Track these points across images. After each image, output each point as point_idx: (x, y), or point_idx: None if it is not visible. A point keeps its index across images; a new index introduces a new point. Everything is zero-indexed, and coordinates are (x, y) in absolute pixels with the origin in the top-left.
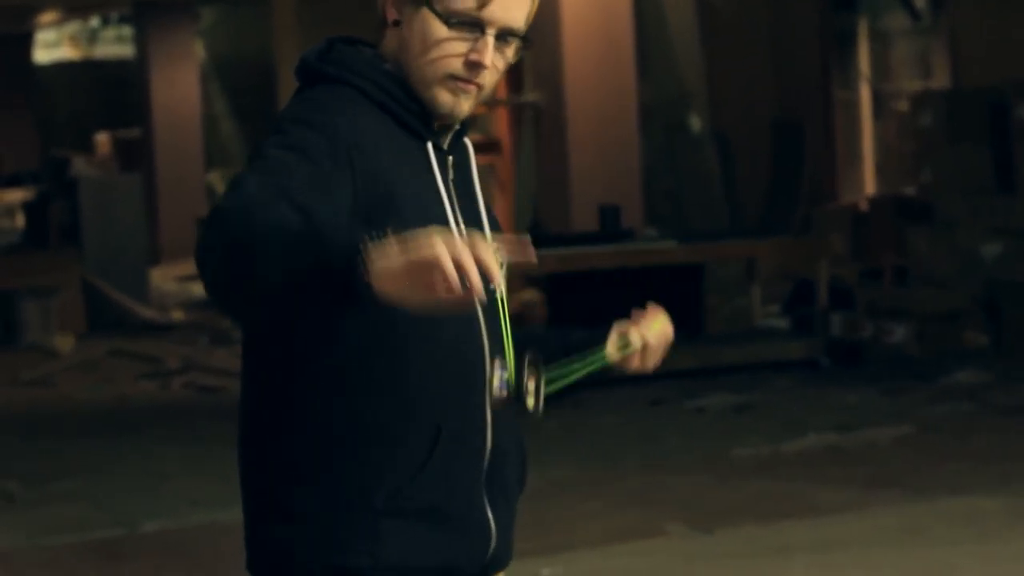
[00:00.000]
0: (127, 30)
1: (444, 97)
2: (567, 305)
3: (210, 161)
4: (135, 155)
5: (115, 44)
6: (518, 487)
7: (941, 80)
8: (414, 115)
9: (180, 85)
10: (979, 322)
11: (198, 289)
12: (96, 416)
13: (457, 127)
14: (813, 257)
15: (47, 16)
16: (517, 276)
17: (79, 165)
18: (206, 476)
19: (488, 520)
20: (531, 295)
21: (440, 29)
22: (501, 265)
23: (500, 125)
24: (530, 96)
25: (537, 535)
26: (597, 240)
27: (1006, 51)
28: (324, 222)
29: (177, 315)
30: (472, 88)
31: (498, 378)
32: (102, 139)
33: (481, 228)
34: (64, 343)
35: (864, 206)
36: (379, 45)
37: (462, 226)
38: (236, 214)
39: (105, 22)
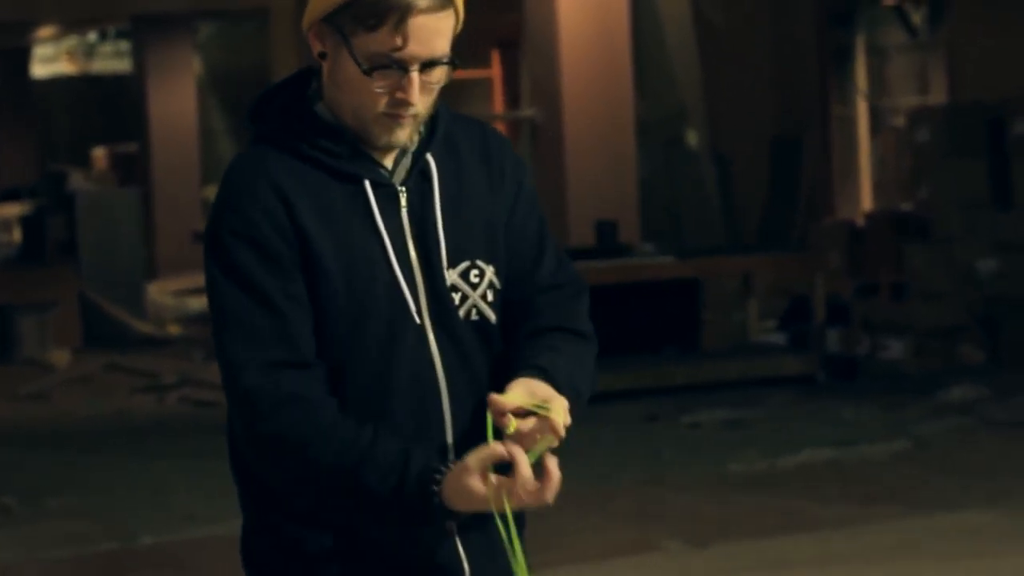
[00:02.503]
0: (125, 45)
1: (379, 132)
2: None
3: (207, 176)
4: (132, 169)
5: (113, 59)
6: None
7: (938, 96)
8: (345, 159)
9: (177, 100)
10: (976, 337)
11: (194, 303)
12: (92, 431)
13: (413, 152)
14: (810, 272)
15: (45, 31)
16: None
17: (76, 179)
18: (203, 490)
19: (459, 558)
20: None
21: (364, 76)
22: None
23: None
24: (527, 111)
25: (533, 551)
26: (594, 255)
27: (1003, 67)
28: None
29: (173, 329)
30: (405, 119)
31: None
32: (99, 153)
33: (438, 259)
34: (60, 358)
35: (861, 221)
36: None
37: (412, 261)
38: (279, 443)
39: (103, 37)
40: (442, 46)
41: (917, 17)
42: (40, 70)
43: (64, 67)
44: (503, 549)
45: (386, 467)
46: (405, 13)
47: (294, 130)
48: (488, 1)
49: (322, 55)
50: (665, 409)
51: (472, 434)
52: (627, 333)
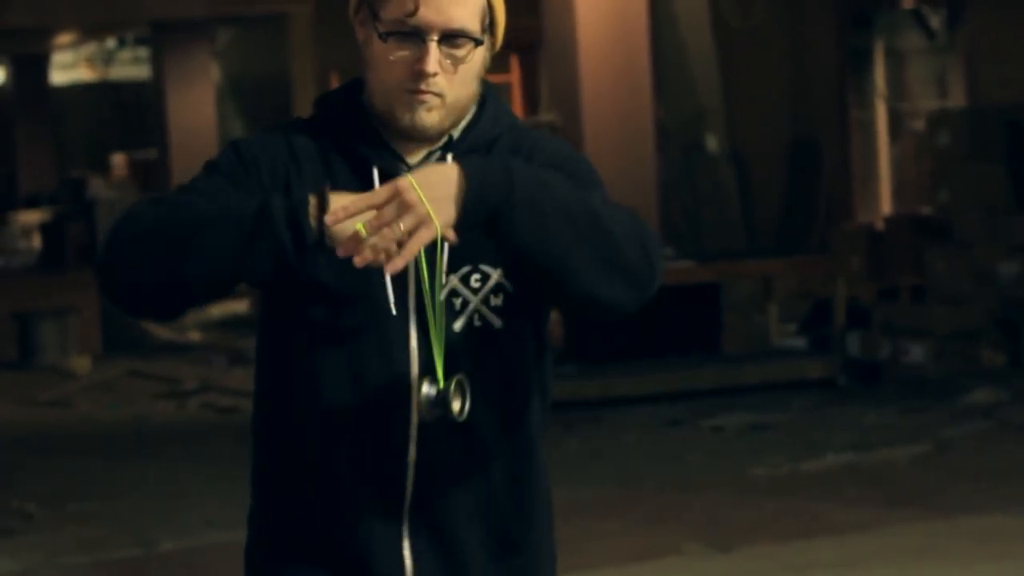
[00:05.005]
0: (143, 51)
1: (401, 111)
2: (584, 324)
3: None
4: (152, 176)
5: (131, 65)
6: (486, 548)
7: (957, 99)
8: (364, 144)
9: (196, 106)
10: (996, 341)
11: (214, 310)
12: (113, 437)
13: (438, 153)
14: (830, 276)
15: (64, 38)
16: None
17: (96, 186)
18: (223, 496)
19: (403, 568)
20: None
21: (383, 45)
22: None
23: None
24: (546, 116)
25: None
26: None
27: (1022, 70)
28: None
29: (194, 335)
30: (428, 97)
31: (425, 393)
32: (119, 160)
33: (436, 261)
34: (81, 364)
35: (880, 225)
36: None
37: None
38: (143, 214)
39: (121, 43)
40: (460, 17)
41: (935, 20)
42: (59, 77)
43: (83, 74)
44: (455, 562)
45: (249, 202)
46: None
47: (331, 111)
48: (506, 6)
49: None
50: (687, 413)
51: (440, 450)
52: (648, 338)
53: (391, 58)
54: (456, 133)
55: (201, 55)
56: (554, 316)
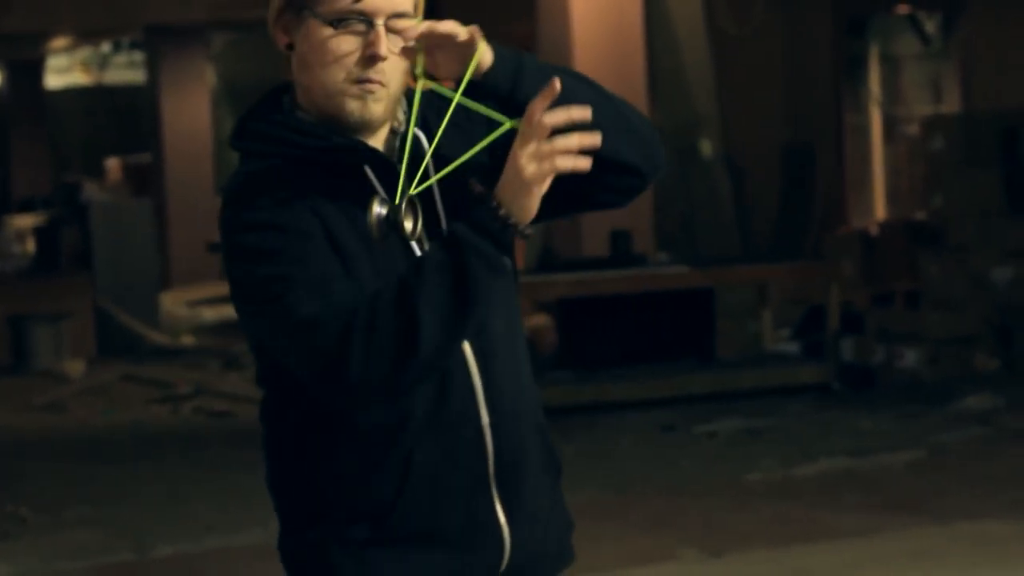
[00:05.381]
0: (138, 56)
1: (351, 105)
2: (578, 330)
3: (221, 186)
4: (146, 180)
5: (126, 70)
6: (547, 476)
7: (952, 104)
8: (341, 151)
9: (191, 110)
10: (991, 346)
11: (208, 314)
12: (108, 441)
13: (401, 130)
14: (824, 282)
15: (58, 42)
16: (528, 302)
17: (90, 190)
18: (219, 500)
19: (499, 527)
20: (542, 320)
21: (328, 33)
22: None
23: None
24: None
25: None
26: (608, 265)
27: (1017, 75)
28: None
29: (187, 340)
30: (376, 87)
31: (375, 213)
32: (113, 164)
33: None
34: (75, 368)
35: (875, 230)
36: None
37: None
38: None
39: (116, 48)
40: (403, 1)
41: (931, 26)
42: (54, 81)
43: (78, 78)
44: (544, 515)
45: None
46: None
47: (281, 140)
48: (501, 9)
49: (289, 47)
50: (681, 419)
51: (504, 406)
52: (642, 343)
53: (337, 49)
54: (406, 109)
55: (196, 59)
56: (549, 323)
